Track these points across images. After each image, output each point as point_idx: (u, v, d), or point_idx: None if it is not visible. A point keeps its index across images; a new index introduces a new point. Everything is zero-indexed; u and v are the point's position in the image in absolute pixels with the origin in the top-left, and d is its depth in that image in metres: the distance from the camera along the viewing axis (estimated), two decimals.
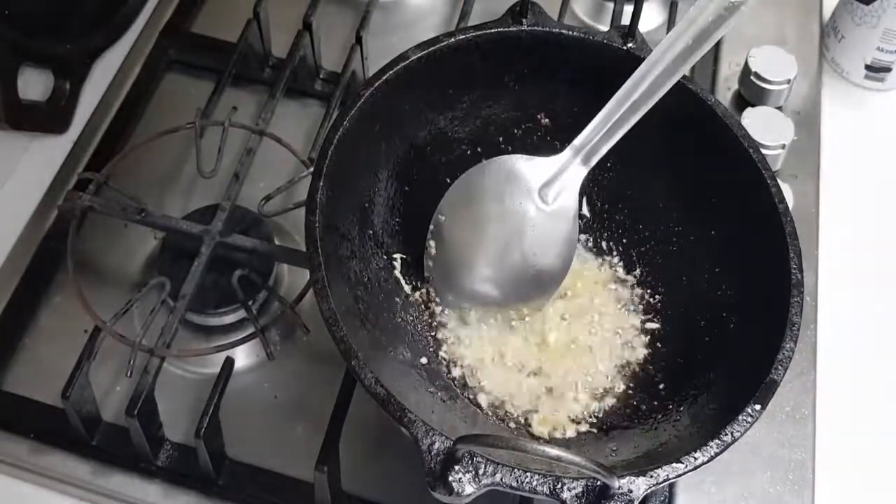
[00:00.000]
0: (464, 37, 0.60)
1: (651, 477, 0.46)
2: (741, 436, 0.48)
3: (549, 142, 0.64)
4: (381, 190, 0.61)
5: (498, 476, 0.45)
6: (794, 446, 0.63)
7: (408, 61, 0.59)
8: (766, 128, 0.71)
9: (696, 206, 0.61)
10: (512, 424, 0.59)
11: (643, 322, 0.62)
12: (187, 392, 0.64)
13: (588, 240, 0.65)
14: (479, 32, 0.60)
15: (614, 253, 0.65)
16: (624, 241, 0.64)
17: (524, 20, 0.61)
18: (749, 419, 0.48)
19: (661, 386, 0.58)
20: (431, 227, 0.62)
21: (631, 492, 0.45)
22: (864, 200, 0.76)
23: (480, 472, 0.45)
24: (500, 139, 0.65)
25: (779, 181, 0.56)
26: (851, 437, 0.65)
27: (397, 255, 0.62)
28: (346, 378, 0.58)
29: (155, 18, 0.82)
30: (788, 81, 0.76)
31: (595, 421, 0.58)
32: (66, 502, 0.61)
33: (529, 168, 0.60)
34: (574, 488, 0.45)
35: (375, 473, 0.61)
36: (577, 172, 0.59)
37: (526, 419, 0.59)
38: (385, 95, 0.58)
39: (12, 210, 0.72)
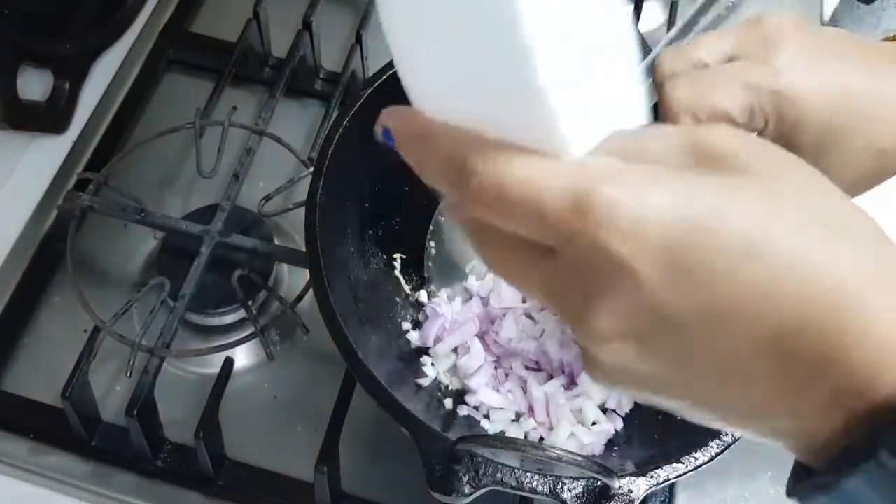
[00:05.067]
0: None
1: (651, 477, 0.46)
2: (742, 436, 0.47)
3: None
4: (381, 190, 0.61)
5: (498, 476, 0.45)
6: None
7: None
8: None
9: None
10: None
11: None
12: (187, 392, 0.64)
13: None
14: None
15: None
16: None
17: None
18: None
19: None
20: (431, 227, 0.62)
21: (631, 492, 0.45)
22: (864, 200, 0.76)
23: (480, 472, 0.45)
24: None
25: None
26: None
27: (397, 255, 0.62)
28: (346, 378, 0.58)
29: (155, 18, 0.82)
30: None
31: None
32: (66, 502, 0.61)
33: None
34: (574, 488, 0.45)
35: (375, 473, 0.61)
36: None
37: None
38: (385, 95, 0.58)
39: (12, 210, 0.71)
